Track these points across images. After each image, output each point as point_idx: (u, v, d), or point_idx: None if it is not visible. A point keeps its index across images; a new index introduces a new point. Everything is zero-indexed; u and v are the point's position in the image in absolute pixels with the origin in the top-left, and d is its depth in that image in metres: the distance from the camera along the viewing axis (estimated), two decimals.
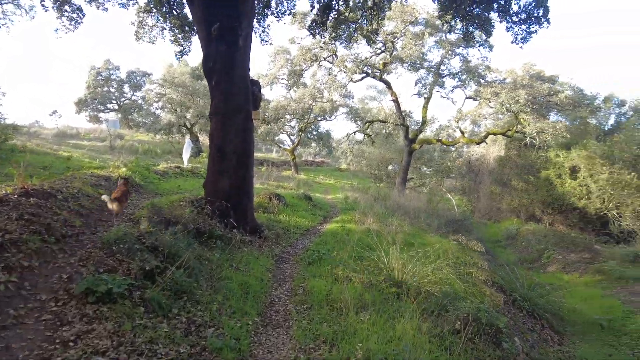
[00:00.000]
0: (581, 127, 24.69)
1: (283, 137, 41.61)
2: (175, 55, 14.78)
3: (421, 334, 4.57)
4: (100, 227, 6.44)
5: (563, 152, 22.89)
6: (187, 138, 21.65)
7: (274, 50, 31.89)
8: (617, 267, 12.53)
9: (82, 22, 11.94)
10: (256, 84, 9.02)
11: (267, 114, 32.27)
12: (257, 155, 42.64)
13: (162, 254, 5.33)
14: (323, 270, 6.78)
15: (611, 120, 28.55)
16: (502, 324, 4.81)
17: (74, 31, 12.03)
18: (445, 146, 31.21)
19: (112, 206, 6.36)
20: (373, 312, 5.10)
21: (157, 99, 40.25)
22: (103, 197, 6.47)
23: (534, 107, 20.99)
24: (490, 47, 24.97)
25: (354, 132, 28.59)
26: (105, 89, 43.03)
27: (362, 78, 24.77)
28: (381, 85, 39.46)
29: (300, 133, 34.24)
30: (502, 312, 6.26)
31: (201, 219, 7.58)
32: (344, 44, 17.64)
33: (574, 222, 21.88)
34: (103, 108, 43.80)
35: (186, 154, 18.99)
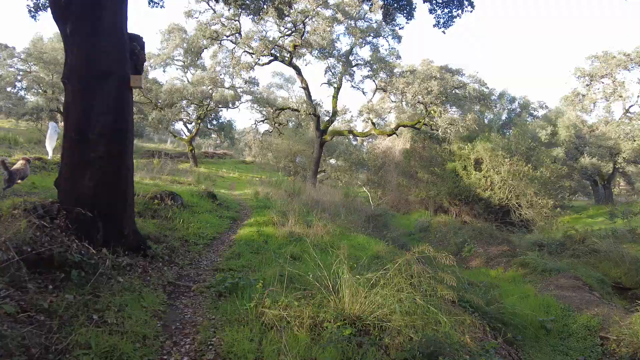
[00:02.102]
0: (481, 120, 25.62)
1: (180, 126, 37.61)
2: (29, 11, 10.97)
3: None
4: None
5: (468, 145, 23.39)
6: (53, 122, 17.34)
7: (167, 27, 28.09)
8: (539, 260, 12.32)
9: None
10: (137, 40, 6.36)
11: (160, 99, 28.35)
12: (149, 145, 37.96)
13: None
14: (242, 306, 4.60)
15: (504, 115, 30.46)
16: None
17: None
18: (355, 138, 30.55)
19: None
20: None
21: (19, 78, 33.47)
22: None
23: (444, 99, 20.89)
24: (399, 39, 24.59)
25: (262, 121, 26.24)
26: None
27: (270, 61, 22.53)
28: (288, 73, 37.47)
29: (199, 121, 30.80)
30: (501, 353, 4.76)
31: (46, 237, 4.86)
32: (251, 16, 15.28)
33: (480, 212, 22.45)
34: None
35: (51, 142, 15.01)
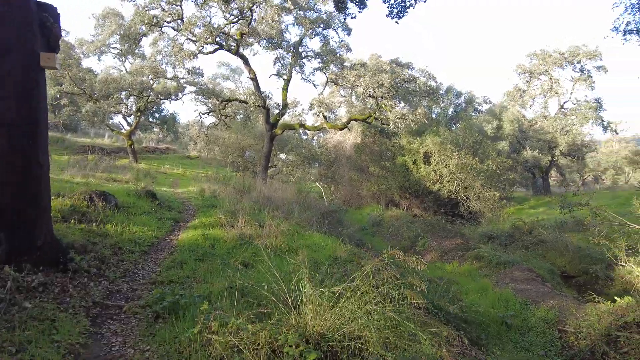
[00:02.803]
0: (429, 115, 25.93)
1: (119, 119, 35.15)
2: None
3: None
4: None
5: (417, 139, 23.56)
6: None
7: (101, 11, 25.78)
8: (492, 253, 12.37)
9: None
10: (48, 10, 5.24)
11: (94, 89, 26.04)
12: (84, 140, 35.07)
13: None
14: (184, 332, 3.81)
15: (450, 110, 31.11)
16: None
17: None
18: (305, 132, 29.94)
19: None
20: None
21: None
22: None
23: (394, 92, 20.75)
24: (349, 31, 24.19)
25: (207, 113, 24.80)
26: None
27: (215, 50, 21.21)
28: (235, 63, 36.05)
29: (139, 114, 28.75)
30: None
31: None
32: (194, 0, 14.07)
33: (429, 205, 22.69)
34: None
35: None
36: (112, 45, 28.23)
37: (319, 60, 22.56)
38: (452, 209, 22.69)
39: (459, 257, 13.06)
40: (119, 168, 19.48)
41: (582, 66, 28.69)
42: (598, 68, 28.55)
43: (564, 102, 30.47)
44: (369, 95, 20.58)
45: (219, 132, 28.82)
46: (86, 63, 30.90)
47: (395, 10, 13.26)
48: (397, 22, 13.78)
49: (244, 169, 27.17)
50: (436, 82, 21.70)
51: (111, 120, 35.12)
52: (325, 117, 23.00)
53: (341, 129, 23.12)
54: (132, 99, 29.59)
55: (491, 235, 16.05)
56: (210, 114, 24.27)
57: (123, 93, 27.92)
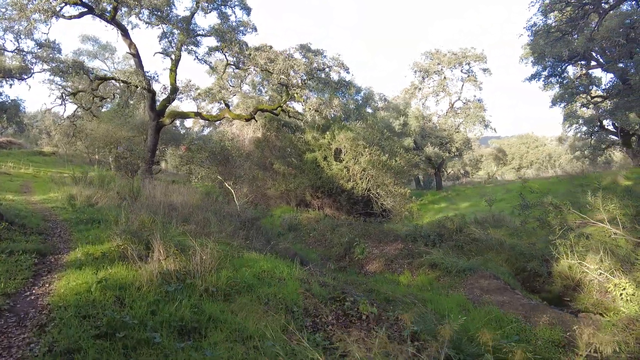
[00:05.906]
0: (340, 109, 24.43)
1: None
2: None
3: None
4: None
5: (327, 135, 21.86)
6: None
7: None
8: (448, 259, 11.00)
9: None
10: None
11: None
12: None
13: None
14: None
15: (351, 105, 30.27)
16: None
17: None
18: (183, 124, 25.99)
19: None
20: None
21: None
22: None
23: (307, 80, 18.61)
24: (248, 11, 21.33)
25: (73, 95, 19.18)
26: None
27: (82, 14, 16.27)
28: (106, 38, 30.43)
29: None
30: None
31: None
32: None
33: (342, 204, 21.15)
34: None
35: None
36: None
37: (217, 38, 19.15)
38: (365, 207, 21.55)
39: (407, 265, 11.44)
40: None
41: (470, 68, 30.50)
42: (484, 70, 30.77)
43: (454, 102, 32.12)
44: (280, 83, 17.98)
45: (84, 122, 23.09)
46: None
47: None
48: None
49: (120, 168, 22.10)
50: (348, 72, 20.13)
51: None
52: (227, 105, 19.67)
53: (247, 120, 20.06)
54: None
55: (415, 235, 15.01)
56: (76, 95, 18.86)
57: None
